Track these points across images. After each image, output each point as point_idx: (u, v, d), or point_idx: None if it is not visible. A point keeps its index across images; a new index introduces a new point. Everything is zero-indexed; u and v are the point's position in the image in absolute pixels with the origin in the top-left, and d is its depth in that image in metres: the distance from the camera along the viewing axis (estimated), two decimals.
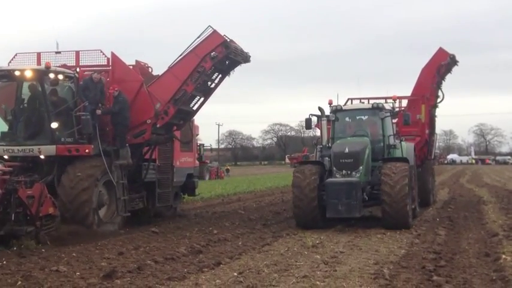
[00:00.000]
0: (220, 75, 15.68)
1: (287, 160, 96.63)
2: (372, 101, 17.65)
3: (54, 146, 13.38)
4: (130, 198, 14.65)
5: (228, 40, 14.62)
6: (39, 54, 14.89)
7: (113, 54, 14.57)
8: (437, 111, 21.36)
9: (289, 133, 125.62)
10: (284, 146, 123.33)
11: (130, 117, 14.14)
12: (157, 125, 14.59)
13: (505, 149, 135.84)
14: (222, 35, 14.57)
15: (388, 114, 15.74)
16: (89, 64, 14.89)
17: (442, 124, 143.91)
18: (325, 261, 9.57)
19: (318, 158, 15.55)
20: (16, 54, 15.00)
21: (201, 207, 21.44)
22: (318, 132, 17.33)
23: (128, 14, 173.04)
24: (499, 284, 7.84)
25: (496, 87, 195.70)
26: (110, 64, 14.64)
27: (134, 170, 15.04)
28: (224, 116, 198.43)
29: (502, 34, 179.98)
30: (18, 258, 9.98)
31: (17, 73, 13.53)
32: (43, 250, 10.81)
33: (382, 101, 17.62)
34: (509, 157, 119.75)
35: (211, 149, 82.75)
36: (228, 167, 64.05)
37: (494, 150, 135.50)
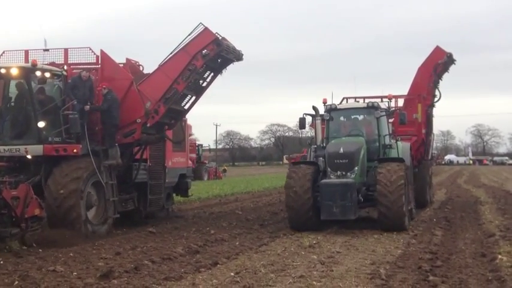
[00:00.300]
0: (212, 74, 15.36)
1: (285, 160, 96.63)
2: (367, 100, 17.33)
3: (41, 146, 13.08)
4: (120, 199, 14.37)
5: (220, 38, 14.32)
6: (27, 52, 14.62)
7: (102, 52, 14.35)
8: (434, 111, 21.20)
9: (287, 133, 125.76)
10: (282, 147, 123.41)
11: (120, 116, 13.87)
12: (148, 125, 14.29)
13: (502, 149, 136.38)
14: (214, 32, 14.29)
15: (384, 113, 15.48)
16: (77, 62, 14.61)
17: (439, 124, 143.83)
18: (321, 261, 9.60)
19: (312, 158, 15.25)
20: (3, 52, 14.74)
21: (199, 208, 21.47)
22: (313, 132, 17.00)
23: (128, 14, 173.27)
24: (494, 284, 7.85)
25: (493, 88, 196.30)
26: (99, 62, 14.39)
27: (124, 171, 14.78)
28: (222, 116, 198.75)
29: (500, 35, 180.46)
30: (15, 258, 10.00)
31: (2, 71, 13.23)
32: (40, 250, 10.82)
33: (378, 100, 17.40)
34: (506, 158, 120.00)
35: (210, 150, 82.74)
36: (225, 168, 64.03)
37: (491, 150, 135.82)
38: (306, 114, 15.76)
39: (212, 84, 15.60)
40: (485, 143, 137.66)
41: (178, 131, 16.90)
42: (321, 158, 14.57)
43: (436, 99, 20.60)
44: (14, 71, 13.18)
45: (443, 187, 33.09)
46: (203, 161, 53.76)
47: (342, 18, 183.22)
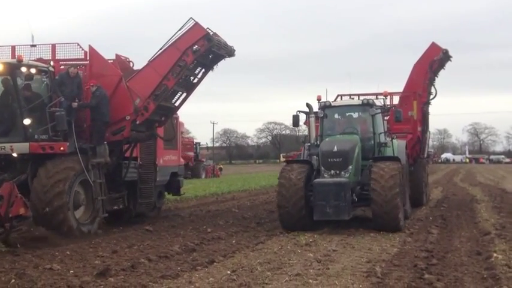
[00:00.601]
0: (203, 70, 15.04)
1: (282, 159, 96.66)
2: (362, 97, 17.10)
3: (27, 144, 12.78)
4: (109, 198, 14.11)
5: (211, 33, 14.00)
6: (13, 48, 14.28)
7: (90, 47, 14.07)
8: (430, 109, 20.97)
9: (283, 132, 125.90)
10: (279, 145, 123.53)
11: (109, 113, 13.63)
12: (137, 122, 13.98)
13: (498, 148, 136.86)
14: (205, 27, 13.97)
15: (379, 110, 15.12)
16: (65, 58, 14.32)
17: (436, 123, 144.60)
18: (318, 259, 9.62)
19: (306, 156, 15.01)
20: None
21: (195, 206, 21.47)
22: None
23: (128, 11, 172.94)
24: (489, 282, 7.87)
25: (490, 87, 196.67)
26: (88, 58, 14.11)
27: (114, 169, 14.51)
28: (219, 114, 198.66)
29: (498, 33, 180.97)
30: (12, 257, 9.99)
31: None
32: (37, 248, 10.81)
33: (373, 97, 17.03)
34: (503, 156, 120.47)
35: (207, 148, 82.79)
36: (221, 166, 64.03)
37: (488, 149, 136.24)
38: (300, 111, 15.44)
39: (203, 80, 15.26)
40: (481, 142, 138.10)
41: (169, 128, 16.57)
42: (315, 157, 14.32)
43: (431, 96, 20.38)
44: None
45: (440, 185, 33.15)
46: (201, 159, 53.84)
47: (340, 17, 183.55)
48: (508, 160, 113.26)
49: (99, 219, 13.47)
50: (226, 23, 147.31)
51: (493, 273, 8.25)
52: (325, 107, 15.20)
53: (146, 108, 13.87)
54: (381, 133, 14.99)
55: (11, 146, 12.81)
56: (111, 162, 14.00)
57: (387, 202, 12.72)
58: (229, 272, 8.71)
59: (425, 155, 22.18)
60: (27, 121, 12.89)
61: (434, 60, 19.57)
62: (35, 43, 14.34)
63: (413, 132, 19.42)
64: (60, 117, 12.73)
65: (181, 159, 18.65)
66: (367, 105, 14.98)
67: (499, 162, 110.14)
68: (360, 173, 13.96)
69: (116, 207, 14.66)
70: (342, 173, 13.44)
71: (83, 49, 14.26)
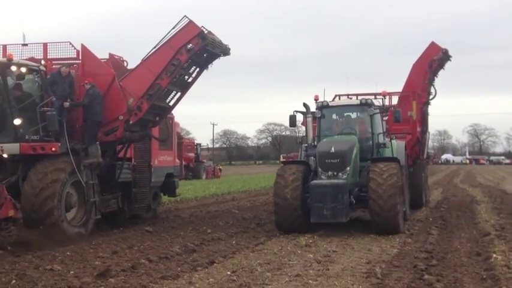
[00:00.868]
0: (198, 69, 14.70)
1: (282, 160, 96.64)
2: (360, 97, 16.78)
3: (18, 144, 12.54)
4: (103, 199, 13.88)
5: (206, 31, 13.71)
6: (5, 47, 14.09)
7: (83, 46, 13.85)
8: (430, 109, 20.70)
9: (283, 133, 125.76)
10: (279, 146, 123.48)
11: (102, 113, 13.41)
12: (130, 122, 13.69)
13: (499, 149, 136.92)
14: (199, 25, 13.68)
15: (378, 110, 14.81)
16: (57, 57, 14.09)
17: (436, 124, 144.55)
18: (318, 260, 9.64)
19: (303, 157, 14.69)
20: None
21: (195, 207, 21.50)
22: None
23: (129, 13, 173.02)
24: (489, 283, 7.89)
25: (490, 88, 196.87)
26: (80, 57, 13.90)
27: (107, 170, 14.26)
28: (219, 115, 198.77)
29: (497, 34, 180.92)
30: (13, 257, 10.02)
31: None
32: (37, 249, 10.82)
33: (372, 97, 16.70)
34: (503, 157, 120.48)
35: (208, 149, 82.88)
36: (221, 167, 64.10)
37: (488, 150, 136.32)
38: (297, 111, 15.19)
39: (198, 79, 14.95)
40: (481, 143, 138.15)
41: (164, 128, 16.23)
42: (312, 158, 14.03)
43: (431, 96, 20.13)
44: None
45: (440, 186, 33.16)
46: (201, 160, 53.92)
47: (339, 18, 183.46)
48: (508, 161, 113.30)
49: (92, 221, 13.24)
50: (226, 23, 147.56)
51: (492, 274, 8.27)
52: (322, 107, 14.90)
53: (139, 108, 13.63)
54: (379, 133, 14.73)
55: (1, 147, 12.57)
56: (104, 163, 13.76)
57: (386, 201, 12.47)
58: (229, 272, 8.73)
59: (425, 156, 21.93)
60: (17, 121, 12.69)
61: (433, 60, 19.37)
62: (26, 42, 14.15)
63: (412, 133, 19.19)
64: (51, 117, 12.56)
65: (177, 160, 18.43)
66: (365, 105, 14.73)
67: (499, 163, 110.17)
68: (358, 175, 13.69)
69: (109, 209, 14.40)
70: (340, 174, 13.17)
71: (75, 48, 14.08)
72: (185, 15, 13.61)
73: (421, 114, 19.84)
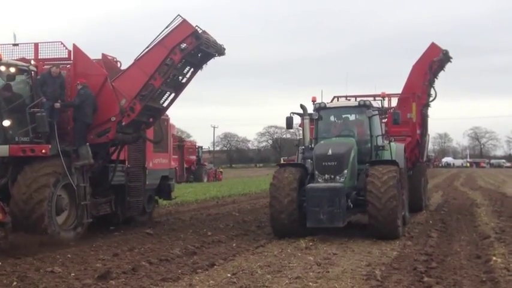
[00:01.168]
0: (192, 69, 14.36)
1: (282, 162, 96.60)
2: (359, 99, 16.12)
3: (7, 146, 12.29)
4: (95, 202, 13.63)
5: (200, 31, 13.39)
6: None
7: (74, 46, 13.57)
8: (430, 111, 20.38)
9: (284, 136, 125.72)
10: (279, 149, 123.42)
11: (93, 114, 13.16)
12: (123, 123, 13.36)
13: (499, 152, 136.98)
14: (193, 25, 13.36)
15: (376, 112, 14.48)
16: (49, 57, 13.81)
17: (436, 127, 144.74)
18: (318, 262, 9.65)
19: (300, 160, 14.40)
20: None
21: (196, 209, 21.52)
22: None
23: (128, 16, 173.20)
24: (488, 285, 7.93)
25: (490, 91, 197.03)
26: (72, 57, 13.63)
27: (100, 172, 13.94)
28: (219, 118, 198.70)
29: (498, 37, 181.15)
30: (14, 259, 10.03)
31: None
32: (38, 251, 10.86)
33: (371, 99, 16.17)
34: (503, 160, 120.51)
35: (209, 151, 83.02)
36: (221, 170, 64.18)
37: (488, 153, 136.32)
38: (293, 113, 14.73)
39: (192, 80, 14.61)
40: (482, 146, 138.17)
41: (159, 130, 15.90)
42: (309, 160, 13.73)
43: (431, 98, 19.79)
44: None
45: (440, 189, 33.18)
46: (203, 163, 53.99)
47: (340, 21, 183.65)
48: (508, 164, 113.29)
49: (84, 224, 12.95)
50: (227, 27, 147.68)
51: (491, 277, 8.30)
52: (320, 108, 14.53)
53: (132, 109, 13.33)
54: (378, 136, 14.40)
55: None
56: (96, 165, 13.50)
57: (384, 206, 12.14)
58: (229, 275, 8.74)
59: (425, 159, 21.70)
60: (6, 122, 12.49)
61: (433, 61, 19.11)
62: (17, 42, 13.90)
63: (412, 135, 18.95)
64: (40, 118, 12.32)
65: (172, 163, 18.12)
66: (363, 107, 14.36)
67: (499, 166, 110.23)
68: (356, 178, 13.36)
69: (102, 212, 14.13)
70: (337, 177, 12.84)
71: (66, 48, 13.84)
72: (178, 14, 13.30)
73: (421, 116, 19.58)
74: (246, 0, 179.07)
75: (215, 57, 14.30)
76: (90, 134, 13.31)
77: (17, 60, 13.34)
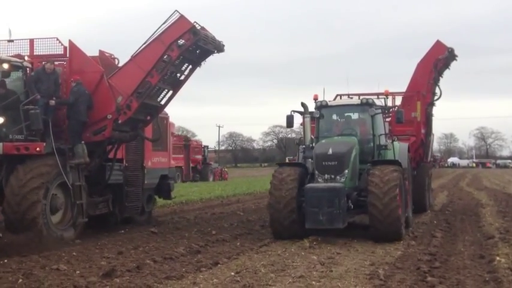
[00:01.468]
0: (190, 66, 14.04)
1: (287, 162, 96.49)
2: (361, 97, 15.72)
3: (1, 144, 12.09)
4: (92, 201, 13.40)
5: (198, 27, 13.09)
6: None
7: (70, 42, 13.36)
8: (435, 111, 20.07)
9: (289, 135, 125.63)
10: (284, 148, 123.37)
11: (89, 112, 12.94)
12: (119, 121, 13.08)
13: (505, 152, 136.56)
14: (191, 21, 13.06)
15: (379, 111, 14.07)
16: (44, 54, 13.52)
17: (442, 127, 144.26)
18: (321, 261, 9.68)
19: (300, 159, 14.04)
20: None
21: (200, 209, 21.59)
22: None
23: (130, 15, 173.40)
24: (491, 285, 7.92)
25: (497, 91, 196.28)
26: (68, 53, 13.42)
27: (97, 171, 13.67)
28: (224, 117, 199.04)
29: (504, 37, 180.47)
30: (19, 257, 10.07)
31: None
32: (44, 249, 10.93)
33: (374, 97, 15.65)
34: (509, 161, 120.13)
35: (214, 151, 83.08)
36: (226, 169, 64.28)
37: (494, 153, 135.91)
38: (294, 111, 14.34)
39: (191, 77, 14.33)
40: (488, 146, 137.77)
41: (158, 129, 15.61)
42: (310, 160, 13.34)
43: (436, 97, 19.49)
44: None
45: (446, 190, 33.10)
46: (209, 162, 54.08)
47: (343, 21, 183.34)
48: None
49: (80, 224, 12.77)
50: (227, 25, 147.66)
51: (495, 276, 8.29)
52: (321, 106, 14.12)
53: (129, 107, 13.03)
54: (381, 135, 14.02)
55: None
56: (93, 163, 13.28)
57: (386, 206, 11.79)
58: (233, 273, 8.78)
59: (429, 159, 21.40)
60: (0, 120, 12.32)
61: (439, 59, 18.83)
62: (12, 38, 13.65)
63: (416, 135, 18.59)
64: (34, 115, 12.04)
65: (172, 161, 17.86)
66: (366, 105, 13.94)
67: (505, 166, 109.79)
68: (357, 178, 13.01)
69: (99, 212, 13.92)
70: (338, 177, 12.48)
71: (62, 44, 13.56)
72: (176, 10, 13.01)
73: (426, 115, 19.28)
74: (247, 1, 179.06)
75: (214, 54, 13.99)
76: (86, 132, 13.09)
77: (12, 56, 13.11)
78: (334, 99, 17.66)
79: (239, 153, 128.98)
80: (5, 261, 9.73)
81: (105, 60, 14.05)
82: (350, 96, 17.87)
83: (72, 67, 13.34)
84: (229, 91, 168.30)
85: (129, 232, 13.99)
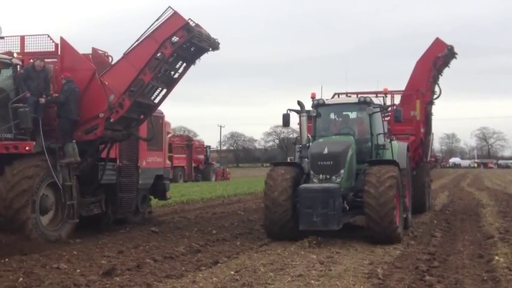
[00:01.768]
0: (184, 64, 13.70)
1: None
2: (360, 96, 15.46)
3: None
4: (83, 202, 13.13)
5: (193, 24, 12.77)
6: None
7: (62, 39, 13.09)
8: (436, 110, 19.97)
9: (291, 135, 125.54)
10: (286, 148, 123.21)
11: (81, 110, 12.63)
12: (111, 120, 12.82)
13: (507, 152, 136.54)
14: (185, 17, 12.75)
15: (377, 109, 13.78)
16: (35, 51, 13.26)
17: (444, 127, 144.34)
18: (320, 261, 9.71)
19: (297, 159, 13.70)
20: None
21: (201, 208, 21.64)
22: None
23: (129, 15, 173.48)
24: (489, 284, 7.94)
25: (498, 91, 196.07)
26: (59, 51, 13.15)
27: (89, 171, 13.36)
28: (226, 117, 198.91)
29: (506, 37, 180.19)
30: (20, 256, 10.10)
31: None
32: (44, 248, 10.98)
33: (372, 95, 15.50)
34: (511, 161, 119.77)
35: (216, 151, 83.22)
36: (228, 169, 64.33)
37: (496, 154, 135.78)
38: (290, 110, 14.00)
39: (185, 75, 13.98)
40: (490, 146, 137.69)
41: (152, 128, 15.27)
42: (306, 159, 12.97)
43: (435, 96, 19.28)
44: None
45: (446, 190, 33.11)
46: (211, 162, 54.15)
47: (343, 21, 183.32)
48: None
49: (70, 225, 12.47)
50: (228, 25, 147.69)
51: (493, 276, 8.32)
52: (318, 105, 13.83)
53: (121, 105, 12.74)
54: (379, 134, 13.70)
55: None
56: (85, 163, 13.03)
57: (382, 207, 11.47)
58: (232, 272, 8.81)
59: (429, 159, 21.21)
60: None
61: (438, 57, 18.57)
62: (2, 35, 13.41)
63: (415, 134, 18.29)
64: (23, 113, 11.80)
65: (168, 161, 17.63)
66: (364, 104, 13.67)
67: (507, 167, 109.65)
68: (354, 178, 12.69)
69: (91, 213, 13.66)
70: (333, 177, 12.15)
71: (53, 41, 13.30)
72: (169, 6, 12.66)
73: (425, 114, 19.01)
74: (247, 1, 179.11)
75: (209, 52, 13.70)
76: (77, 130, 12.83)
77: (1, 53, 12.91)
78: (332, 97, 17.36)
79: (241, 153, 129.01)
80: (6, 260, 9.73)
81: (97, 57, 13.75)
82: (348, 94, 17.52)
83: (64, 64, 13.10)
84: (229, 91, 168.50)
85: (129, 231, 14.01)
